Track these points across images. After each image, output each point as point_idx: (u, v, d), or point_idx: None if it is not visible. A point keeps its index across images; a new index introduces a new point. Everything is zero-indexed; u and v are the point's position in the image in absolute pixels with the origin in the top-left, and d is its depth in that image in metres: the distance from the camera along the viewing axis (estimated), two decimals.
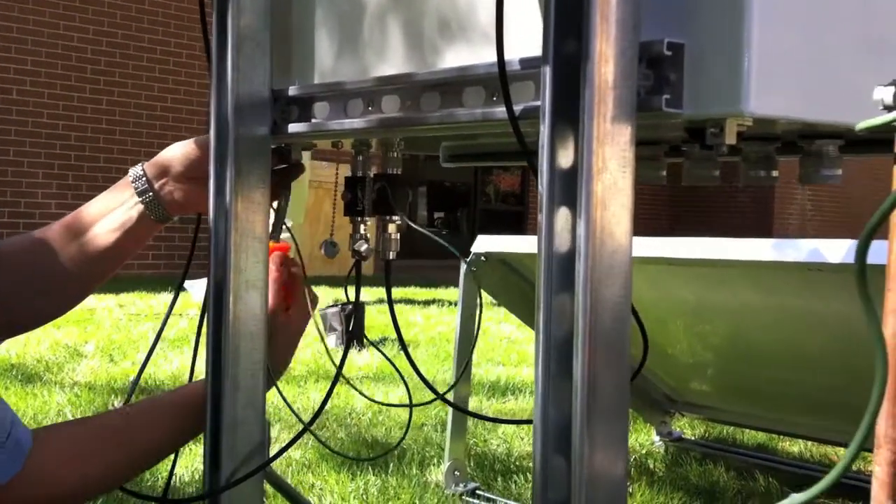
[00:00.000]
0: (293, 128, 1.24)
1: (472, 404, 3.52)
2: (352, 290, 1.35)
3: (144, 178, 1.28)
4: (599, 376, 0.83)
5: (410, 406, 1.46)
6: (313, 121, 1.22)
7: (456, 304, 2.55)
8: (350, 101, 1.18)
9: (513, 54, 0.95)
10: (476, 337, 3.13)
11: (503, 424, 3.20)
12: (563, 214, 0.86)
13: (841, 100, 0.89)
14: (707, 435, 3.26)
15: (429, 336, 5.19)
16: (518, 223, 15.01)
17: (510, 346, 4.93)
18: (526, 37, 0.97)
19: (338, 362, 1.37)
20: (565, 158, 0.86)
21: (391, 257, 1.32)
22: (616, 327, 0.84)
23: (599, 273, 0.82)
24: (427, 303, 6.77)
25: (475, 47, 1.05)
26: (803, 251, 2.03)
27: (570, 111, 0.85)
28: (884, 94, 0.62)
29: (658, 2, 0.86)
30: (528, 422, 0.97)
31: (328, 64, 1.23)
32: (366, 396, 1.83)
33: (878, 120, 0.59)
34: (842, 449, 3.00)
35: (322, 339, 2.29)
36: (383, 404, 2.46)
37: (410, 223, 1.26)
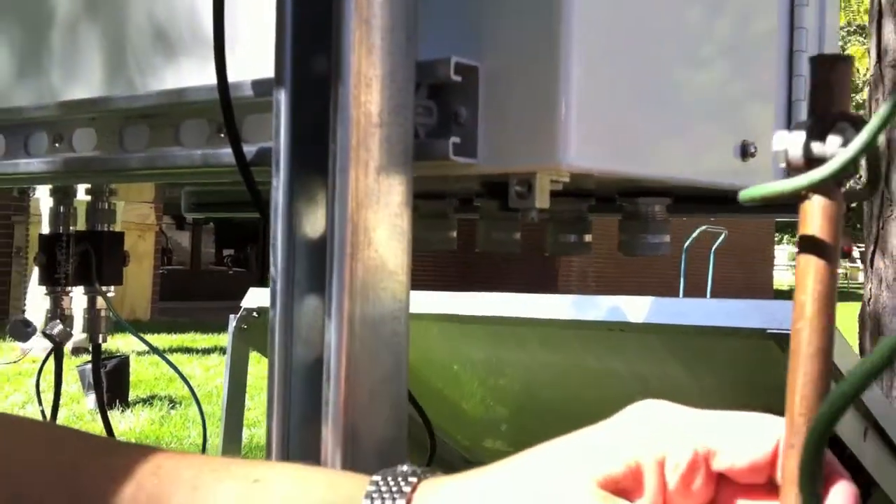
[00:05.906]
0: None
1: None
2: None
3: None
4: None
5: None
6: None
7: None
8: (33, 135, 0.86)
9: (248, 72, 0.68)
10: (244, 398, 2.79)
11: None
12: (309, 308, 0.59)
13: (684, 151, 0.68)
14: None
15: (205, 391, 4.75)
16: None
17: None
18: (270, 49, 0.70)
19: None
20: (311, 226, 0.59)
21: (101, 341, 1.00)
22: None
23: (356, 401, 0.55)
24: (207, 351, 6.26)
25: (202, 63, 0.77)
26: (603, 310, 1.86)
27: (317, 157, 0.58)
28: (793, 144, 0.37)
29: (442, 5, 0.61)
30: None
31: (2, 82, 0.90)
32: None
33: (785, 185, 0.36)
34: None
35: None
36: None
37: (114, 311, 0.94)
